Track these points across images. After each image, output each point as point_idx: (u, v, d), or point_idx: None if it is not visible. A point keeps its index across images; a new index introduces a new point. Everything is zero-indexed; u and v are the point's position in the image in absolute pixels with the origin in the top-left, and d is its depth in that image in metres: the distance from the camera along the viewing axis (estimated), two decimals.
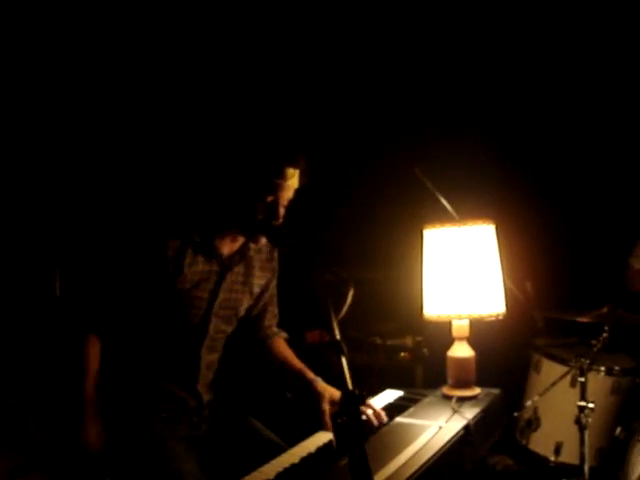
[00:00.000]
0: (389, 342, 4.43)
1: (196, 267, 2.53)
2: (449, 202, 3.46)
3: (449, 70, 4.72)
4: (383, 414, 2.63)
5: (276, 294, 2.92)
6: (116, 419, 2.51)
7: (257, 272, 2.75)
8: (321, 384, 2.66)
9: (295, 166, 2.45)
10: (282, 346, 2.92)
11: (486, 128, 4.65)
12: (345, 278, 2.18)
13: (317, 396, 2.61)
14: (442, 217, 3.27)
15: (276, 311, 2.95)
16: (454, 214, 3.42)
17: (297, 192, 2.53)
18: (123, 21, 4.01)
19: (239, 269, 2.67)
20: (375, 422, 2.58)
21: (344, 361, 1.88)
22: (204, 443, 2.60)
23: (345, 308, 2.14)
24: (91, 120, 4.00)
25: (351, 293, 2.16)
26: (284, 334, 2.96)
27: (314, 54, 4.62)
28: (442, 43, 4.69)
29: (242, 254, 2.66)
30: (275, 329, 2.94)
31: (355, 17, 4.59)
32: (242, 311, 2.76)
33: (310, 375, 2.71)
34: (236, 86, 4.43)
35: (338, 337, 1.92)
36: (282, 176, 2.43)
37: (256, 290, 2.77)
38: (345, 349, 1.90)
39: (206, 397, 2.71)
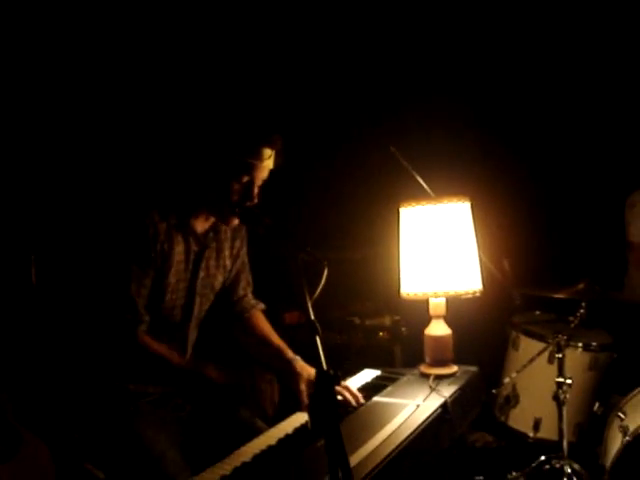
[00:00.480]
0: (367, 322, 4.42)
1: (177, 248, 2.51)
2: (425, 180, 3.45)
3: (424, 45, 4.70)
4: (360, 395, 2.64)
5: (247, 262, 2.89)
6: (100, 405, 2.51)
7: (227, 244, 2.74)
8: (299, 363, 2.65)
9: (271, 147, 2.44)
10: (261, 321, 2.90)
11: (461, 103, 4.63)
12: (319, 258, 2.16)
13: (295, 376, 2.60)
14: (418, 195, 3.25)
15: (249, 278, 2.92)
16: (430, 191, 3.40)
17: (272, 172, 2.51)
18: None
19: (213, 246, 2.66)
20: (353, 403, 2.58)
21: (318, 341, 1.86)
22: (188, 425, 2.58)
23: (319, 288, 2.12)
24: (66, 101, 3.94)
25: (325, 273, 2.14)
26: (261, 305, 2.94)
27: (287, 32, 4.58)
28: (419, 19, 4.67)
29: (215, 230, 2.65)
30: (252, 300, 2.91)
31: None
32: (217, 286, 2.75)
33: (289, 354, 2.70)
34: (212, 68, 4.38)
35: (312, 317, 1.91)
36: (258, 156, 2.42)
37: (227, 263, 2.76)
38: (319, 329, 1.89)
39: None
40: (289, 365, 2.64)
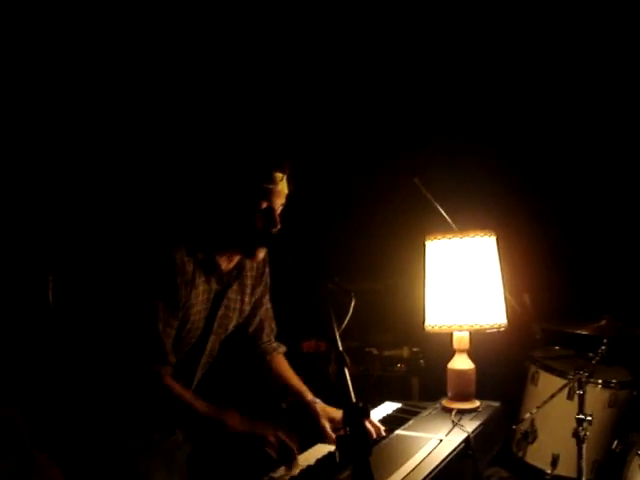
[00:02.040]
0: (385, 353, 4.40)
1: (199, 286, 2.50)
2: (448, 212, 3.44)
3: (448, 80, 4.72)
4: (381, 427, 2.62)
5: (271, 308, 2.90)
6: (97, 436, 2.49)
7: (248, 290, 2.73)
8: (320, 405, 2.65)
9: (282, 171, 2.44)
10: (281, 364, 2.89)
11: (485, 138, 4.64)
12: (347, 289, 2.16)
13: (316, 416, 2.59)
14: (442, 228, 3.24)
15: (273, 325, 2.92)
16: (452, 224, 3.40)
17: (290, 199, 2.51)
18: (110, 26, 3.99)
19: (234, 287, 2.65)
20: (374, 434, 2.56)
21: (347, 372, 1.85)
22: (180, 449, 2.57)
23: (347, 319, 2.12)
24: (85, 126, 3.97)
25: (353, 304, 2.14)
26: (283, 348, 2.93)
27: (311, 64, 4.61)
28: (439, 54, 4.69)
29: (239, 269, 2.64)
30: (274, 344, 2.91)
31: (353, 27, 4.58)
32: (230, 328, 2.73)
33: (309, 397, 2.70)
34: (226, 95, 4.41)
35: (341, 348, 1.90)
36: (272, 180, 2.42)
37: (246, 308, 2.75)
38: (348, 360, 1.88)
39: None
40: (309, 407, 2.64)
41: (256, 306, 2.82)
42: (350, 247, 4.67)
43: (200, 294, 2.50)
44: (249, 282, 2.72)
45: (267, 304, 2.87)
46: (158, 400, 2.41)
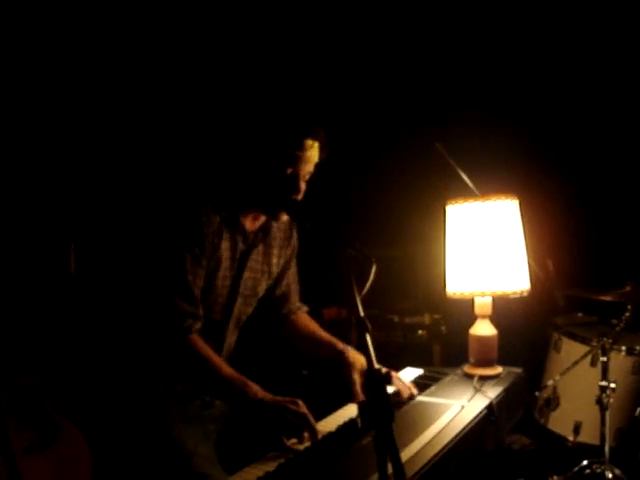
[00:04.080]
0: (407, 320, 4.39)
1: (224, 244, 2.49)
2: (470, 178, 3.41)
3: (471, 46, 4.65)
4: (414, 387, 2.64)
5: (296, 271, 2.89)
6: (128, 403, 2.48)
7: (275, 251, 2.71)
8: (351, 353, 2.63)
9: (314, 138, 2.42)
10: (307, 319, 2.90)
11: (507, 103, 4.59)
12: (368, 255, 2.14)
13: (348, 367, 2.58)
14: (463, 193, 3.21)
15: (298, 288, 2.92)
16: (475, 190, 3.37)
17: (317, 168, 2.49)
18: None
19: (260, 248, 2.63)
20: (406, 395, 2.58)
21: (368, 338, 1.84)
22: (219, 421, 2.57)
23: (368, 285, 2.10)
24: (111, 104, 3.97)
25: (373, 270, 2.12)
26: (305, 307, 2.94)
27: (338, 33, 4.57)
28: (463, 19, 4.63)
29: (265, 231, 2.62)
30: (298, 304, 2.91)
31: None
32: (260, 292, 2.72)
33: (340, 345, 2.69)
34: (257, 63, 4.39)
35: (362, 314, 1.88)
36: (301, 147, 2.39)
37: (274, 270, 2.74)
38: (369, 326, 1.87)
39: None
40: (341, 356, 2.63)
41: (284, 269, 2.81)
42: (370, 213, 4.65)
43: (225, 250, 2.49)
44: (276, 244, 2.71)
45: (294, 267, 2.86)
46: (184, 357, 2.39)
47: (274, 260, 2.71)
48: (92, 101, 3.89)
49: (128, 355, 2.55)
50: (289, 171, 2.40)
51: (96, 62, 3.84)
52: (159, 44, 4.04)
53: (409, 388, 2.62)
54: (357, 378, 2.53)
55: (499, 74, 4.65)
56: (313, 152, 2.43)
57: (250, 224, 2.56)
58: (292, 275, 2.86)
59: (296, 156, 2.39)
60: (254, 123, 2.49)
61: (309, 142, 2.40)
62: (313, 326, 2.86)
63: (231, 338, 2.67)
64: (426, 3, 4.60)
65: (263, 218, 2.58)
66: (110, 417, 2.54)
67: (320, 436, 2.24)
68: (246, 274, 2.59)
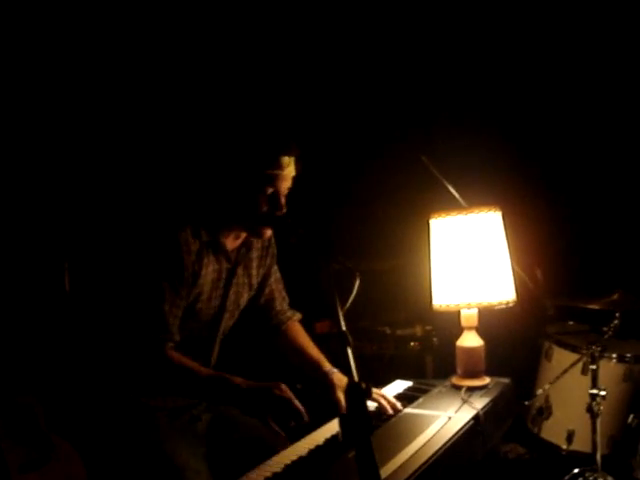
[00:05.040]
0: (398, 332, 4.39)
1: (209, 265, 2.51)
2: (455, 189, 3.43)
3: (453, 57, 4.69)
4: (398, 403, 2.64)
5: (280, 278, 2.89)
6: (119, 419, 2.51)
7: (255, 263, 2.73)
8: (337, 375, 2.62)
9: (289, 154, 2.43)
10: (298, 332, 2.88)
11: (491, 114, 4.62)
12: (351, 268, 2.16)
13: (332, 387, 2.58)
14: (449, 205, 3.24)
15: (284, 294, 2.91)
16: (461, 201, 3.39)
17: (297, 181, 2.51)
18: (117, 18, 4.00)
19: (242, 264, 2.66)
20: (389, 411, 2.59)
21: (350, 352, 1.85)
22: (207, 436, 2.58)
23: (351, 298, 2.11)
24: (92, 117, 3.99)
25: (357, 283, 2.14)
26: (298, 315, 2.92)
27: (314, 42, 4.59)
28: (446, 31, 4.66)
29: (247, 247, 2.65)
30: (289, 313, 2.90)
31: (357, 6, 4.56)
32: (242, 304, 2.73)
33: (326, 366, 2.68)
34: (228, 80, 4.40)
35: (344, 328, 1.90)
36: (278, 166, 2.40)
37: (254, 281, 2.75)
38: (351, 340, 1.87)
39: None
40: (326, 377, 2.62)
41: (265, 277, 2.81)
42: (359, 227, 4.66)
43: (210, 273, 2.51)
44: (255, 255, 2.72)
45: (276, 273, 2.86)
46: (163, 369, 2.40)
47: (253, 271, 2.72)
48: (81, 117, 3.92)
49: (117, 373, 2.57)
50: (269, 191, 2.41)
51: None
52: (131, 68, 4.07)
53: (392, 405, 2.62)
54: (341, 396, 2.53)
55: (483, 85, 4.68)
56: (290, 168, 2.44)
57: (231, 243, 2.58)
58: (275, 282, 2.86)
59: (275, 175, 2.40)
60: (230, 145, 2.49)
61: (286, 159, 2.41)
62: (302, 340, 2.84)
63: (216, 351, 2.70)
64: (411, 16, 4.62)
65: (243, 236, 2.60)
66: (103, 433, 2.57)
67: (307, 450, 2.25)
68: (232, 290, 2.62)
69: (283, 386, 2.31)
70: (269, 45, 4.48)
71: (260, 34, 4.46)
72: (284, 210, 2.45)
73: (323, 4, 4.53)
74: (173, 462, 2.34)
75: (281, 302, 2.90)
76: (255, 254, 2.72)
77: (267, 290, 2.84)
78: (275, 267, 2.85)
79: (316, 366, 2.70)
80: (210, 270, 2.52)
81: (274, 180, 2.41)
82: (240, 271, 2.64)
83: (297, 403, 2.28)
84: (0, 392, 2.94)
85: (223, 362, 2.75)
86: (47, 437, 2.98)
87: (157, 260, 2.41)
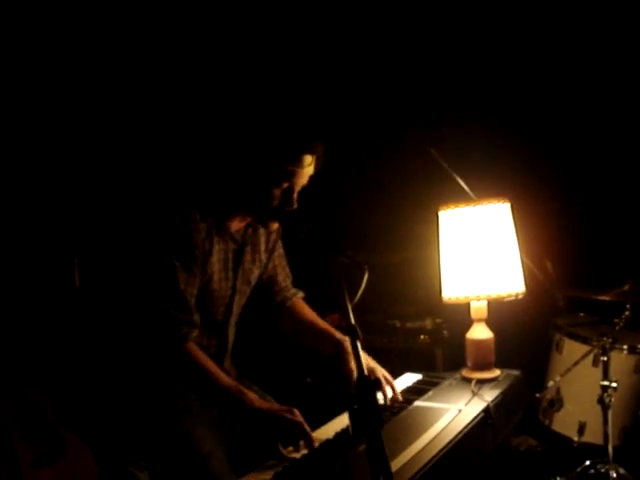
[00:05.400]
0: (408, 325, 4.38)
1: (217, 247, 2.50)
2: (464, 181, 3.43)
3: (464, 49, 4.66)
4: (398, 394, 2.66)
5: (284, 253, 2.87)
6: (145, 408, 2.50)
7: (263, 238, 2.72)
8: (349, 345, 2.61)
9: (312, 153, 2.42)
10: (303, 306, 2.87)
11: (500, 106, 4.60)
12: (360, 262, 2.16)
13: (346, 355, 2.58)
14: (458, 197, 3.23)
15: (288, 270, 2.89)
16: (470, 193, 3.39)
17: (312, 177, 2.50)
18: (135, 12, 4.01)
19: (250, 245, 2.65)
20: (388, 396, 2.62)
21: (359, 345, 1.85)
22: (233, 425, 2.57)
23: (360, 292, 2.11)
24: (106, 110, 4.00)
25: (366, 277, 2.14)
26: (301, 293, 2.91)
27: (326, 36, 4.58)
28: (458, 22, 4.64)
29: (253, 228, 2.64)
30: (292, 290, 2.88)
31: (369, 2, 4.56)
32: (253, 281, 2.72)
33: (338, 335, 2.68)
34: (250, 75, 4.40)
35: (353, 321, 1.90)
36: (299, 164, 2.39)
37: (263, 257, 2.74)
38: (360, 333, 1.87)
39: (232, 373, 2.68)
40: (339, 346, 2.62)
41: (270, 252, 2.79)
42: (369, 220, 4.65)
43: (218, 253, 2.50)
44: (262, 231, 2.71)
45: (280, 249, 2.84)
46: (182, 367, 2.40)
47: (262, 247, 2.72)
48: (87, 111, 3.93)
49: (138, 360, 2.55)
50: (285, 185, 2.41)
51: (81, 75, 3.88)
52: (149, 55, 4.07)
53: (395, 393, 2.65)
54: (354, 367, 2.53)
55: (491, 78, 4.66)
56: (310, 167, 2.44)
57: (236, 225, 2.57)
58: (278, 257, 2.84)
59: (293, 172, 2.39)
60: (252, 136, 2.48)
61: (308, 158, 2.40)
62: (310, 314, 2.84)
63: (232, 334, 2.68)
64: (419, 9, 4.61)
65: (249, 218, 2.58)
66: (123, 420, 2.57)
67: (318, 443, 2.25)
68: (241, 270, 2.61)
69: (296, 411, 2.31)
70: (286, 45, 4.47)
71: (277, 33, 4.46)
72: (295, 206, 2.45)
73: (336, 3, 4.52)
74: (198, 450, 2.35)
75: (284, 278, 2.88)
76: (262, 230, 2.70)
77: (270, 265, 2.82)
78: (279, 242, 2.83)
79: (327, 336, 2.71)
80: (218, 250, 2.51)
81: (292, 176, 2.40)
82: (248, 250, 2.63)
83: (308, 429, 2.27)
84: (11, 387, 2.96)
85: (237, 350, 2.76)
86: (58, 432, 3.00)
87: (167, 240, 2.40)
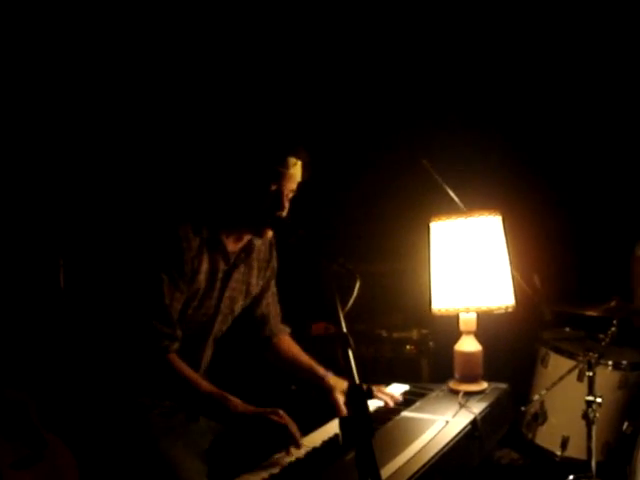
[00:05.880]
0: (395, 335, 4.39)
1: (205, 266, 2.50)
2: (456, 193, 3.43)
3: (454, 62, 4.68)
4: (396, 395, 2.73)
5: (276, 292, 2.91)
6: (113, 417, 2.50)
7: (255, 272, 2.74)
8: (332, 379, 2.69)
9: (296, 156, 2.46)
10: (289, 343, 2.93)
11: (491, 119, 4.62)
12: (352, 270, 2.15)
13: (329, 389, 2.65)
14: (449, 209, 3.23)
15: (278, 309, 2.94)
16: (461, 205, 3.38)
17: (300, 186, 2.52)
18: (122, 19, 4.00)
19: (241, 269, 2.65)
20: (391, 403, 2.68)
21: (351, 354, 1.85)
22: (203, 435, 2.56)
23: (352, 300, 2.11)
24: (94, 115, 3.99)
25: (358, 285, 2.13)
26: (287, 329, 2.96)
27: (317, 47, 4.59)
28: (447, 35, 4.66)
29: (247, 252, 2.65)
30: (280, 326, 2.93)
31: (360, 10, 4.56)
32: (237, 310, 2.73)
33: (320, 371, 2.75)
34: (238, 79, 4.40)
35: (345, 330, 1.89)
36: (284, 164, 2.43)
37: (253, 290, 2.76)
38: (352, 342, 1.87)
39: None
40: (322, 381, 2.70)
41: (264, 290, 2.83)
42: (357, 229, 4.66)
43: (205, 272, 2.50)
44: (256, 265, 2.73)
45: (273, 288, 2.89)
46: (163, 376, 2.41)
47: (253, 280, 2.73)
48: (80, 116, 3.91)
49: (113, 371, 2.56)
50: (273, 187, 2.43)
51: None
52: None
53: (392, 396, 2.71)
54: (339, 397, 2.59)
55: (484, 89, 4.68)
56: (296, 170, 2.47)
57: (232, 245, 2.58)
58: (271, 296, 2.88)
59: (280, 172, 2.42)
60: (238, 140, 2.53)
61: (292, 160, 2.44)
62: (294, 350, 2.90)
63: (208, 353, 2.69)
64: (413, 19, 4.62)
65: (246, 239, 2.61)
66: (95, 431, 2.56)
67: (304, 452, 2.25)
68: (227, 293, 2.61)
69: (281, 412, 2.32)
70: (274, 47, 4.47)
71: (268, 37, 4.46)
72: (285, 211, 2.46)
73: (329, 7, 4.52)
74: (168, 460, 2.33)
75: (275, 317, 2.92)
76: (256, 264, 2.73)
77: (264, 303, 2.86)
78: (273, 282, 2.88)
79: (311, 372, 2.78)
80: (207, 269, 2.51)
81: (279, 177, 2.42)
82: (237, 275, 2.64)
83: (294, 429, 2.28)
84: None
85: (217, 364, 2.76)
86: (39, 434, 2.97)
87: (157, 253, 2.41)
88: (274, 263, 2.83)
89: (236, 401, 2.36)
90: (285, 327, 2.95)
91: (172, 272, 2.40)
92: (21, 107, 3.70)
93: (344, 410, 2.51)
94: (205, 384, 2.41)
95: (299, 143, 2.48)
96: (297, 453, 2.24)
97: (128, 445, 2.44)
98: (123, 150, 4.02)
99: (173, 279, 2.40)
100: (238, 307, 2.73)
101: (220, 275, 2.56)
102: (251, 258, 2.69)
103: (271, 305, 2.89)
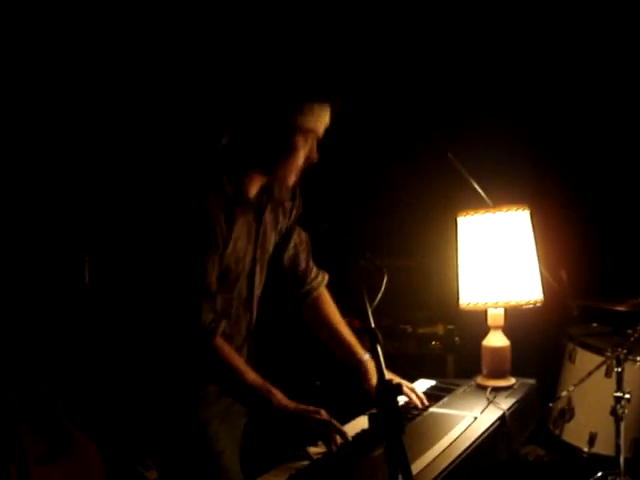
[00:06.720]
0: (420, 330, 4.38)
1: (238, 222, 2.38)
2: (482, 188, 3.41)
3: (483, 56, 4.65)
4: (424, 398, 2.64)
5: (306, 238, 2.76)
6: (159, 401, 2.43)
7: (281, 210, 2.60)
8: (370, 365, 2.58)
9: (326, 101, 2.36)
10: (329, 306, 2.78)
11: (519, 113, 4.58)
12: (379, 265, 2.13)
13: (365, 374, 2.59)
14: (475, 203, 3.21)
15: (309, 247, 2.76)
16: (487, 200, 3.36)
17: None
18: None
19: (268, 209, 2.52)
20: (419, 404, 2.60)
21: (379, 350, 1.83)
22: (250, 419, 2.54)
23: (379, 295, 2.10)
24: (115, 95, 3.99)
25: (385, 280, 2.12)
26: (326, 277, 2.78)
27: (346, 42, 4.57)
28: (479, 28, 4.63)
29: (269, 192, 2.47)
30: (318, 277, 2.77)
31: (384, 5, 4.55)
32: (270, 248, 2.59)
33: (360, 352, 2.64)
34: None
35: (373, 325, 1.88)
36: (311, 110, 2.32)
37: (282, 226, 2.63)
38: (380, 337, 1.85)
39: (253, 358, 2.60)
40: (360, 365, 2.61)
41: (289, 231, 2.68)
42: (382, 224, 4.64)
43: (240, 228, 2.39)
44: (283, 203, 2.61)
45: (300, 232, 2.74)
46: (208, 364, 2.33)
47: (280, 217, 2.60)
48: (93, 100, 3.92)
49: (149, 363, 2.48)
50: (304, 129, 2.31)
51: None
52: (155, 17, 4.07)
53: (421, 399, 2.63)
54: (374, 383, 2.49)
55: (511, 83, 4.65)
56: (325, 115, 2.37)
57: (254, 188, 2.43)
58: (298, 235, 2.73)
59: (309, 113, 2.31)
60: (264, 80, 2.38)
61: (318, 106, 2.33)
62: (334, 319, 2.75)
63: (255, 312, 2.59)
64: (438, 14, 4.61)
65: (263, 180, 2.43)
66: (134, 416, 2.53)
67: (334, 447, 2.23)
68: (260, 239, 2.50)
69: (323, 411, 2.28)
70: (300, 43, 4.45)
71: (291, 32, 4.44)
72: (317, 159, 2.37)
73: (350, 4, 4.51)
74: (211, 446, 2.32)
75: (307, 257, 2.75)
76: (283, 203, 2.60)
77: (292, 244, 2.70)
78: (298, 227, 2.73)
79: (350, 350, 2.66)
80: (240, 224, 2.39)
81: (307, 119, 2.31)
82: (266, 219, 2.52)
83: (338, 425, 2.26)
84: (20, 382, 2.95)
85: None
86: (66, 428, 2.99)
87: (185, 228, 2.27)
88: (298, 203, 2.67)
89: (279, 396, 2.28)
90: (323, 275, 2.78)
91: (205, 247, 2.27)
92: (38, 105, 3.72)
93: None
94: (251, 375, 2.30)
95: (329, 88, 2.39)
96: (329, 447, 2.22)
97: (172, 425, 2.39)
98: (144, 130, 4.01)
99: (207, 254, 2.27)
100: (270, 245, 2.59)
101: (253, 224, 2.45)
102: (276, 199, 2.52)
103: (299, 245, 2.72)
